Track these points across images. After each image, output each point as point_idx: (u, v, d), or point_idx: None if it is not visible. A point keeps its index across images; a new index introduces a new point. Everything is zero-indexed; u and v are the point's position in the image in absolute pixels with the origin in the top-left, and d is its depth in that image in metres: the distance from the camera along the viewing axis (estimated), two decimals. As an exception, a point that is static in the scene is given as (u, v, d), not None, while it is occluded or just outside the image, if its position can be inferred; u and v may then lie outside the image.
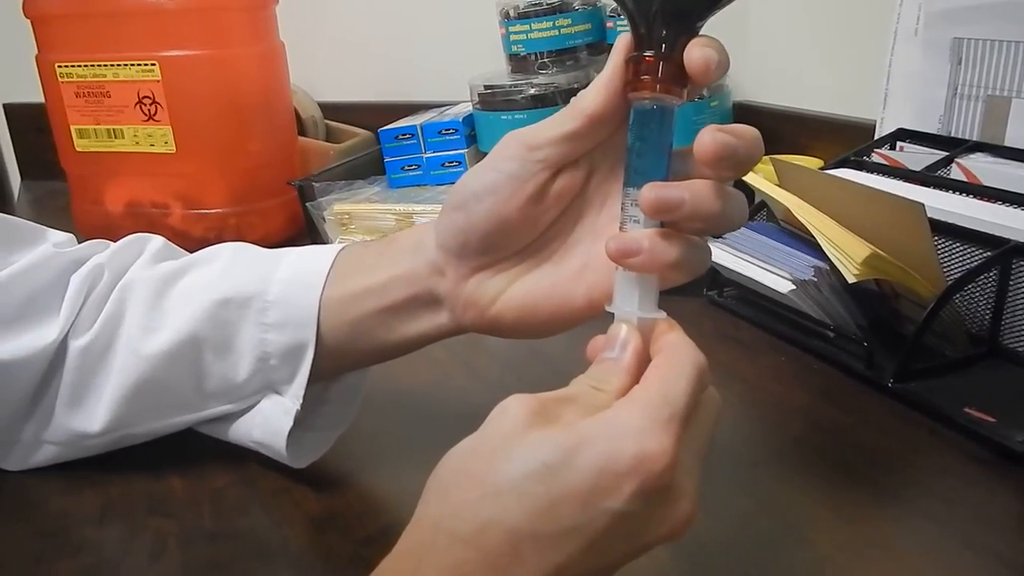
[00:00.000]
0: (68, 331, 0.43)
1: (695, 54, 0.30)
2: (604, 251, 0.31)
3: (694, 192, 0.31)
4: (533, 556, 0.25)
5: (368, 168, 0.96)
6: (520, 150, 0.35)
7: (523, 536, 0.25)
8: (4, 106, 1.23)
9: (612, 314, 0.32)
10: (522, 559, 0.25)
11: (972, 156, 0.64)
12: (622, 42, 0.33)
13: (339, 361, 0.42)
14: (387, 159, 0.95)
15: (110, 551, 0.40)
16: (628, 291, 0.31)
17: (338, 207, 0.82)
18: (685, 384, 0.28)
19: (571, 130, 0.34)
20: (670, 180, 0.31)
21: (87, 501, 0.44)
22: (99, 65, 0.81)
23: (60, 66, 0.82)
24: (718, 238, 0.62)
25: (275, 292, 0.42)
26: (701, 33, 0.32)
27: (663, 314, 0.31)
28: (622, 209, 0.32)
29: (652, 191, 0.30)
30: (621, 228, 0.32)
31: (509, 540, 0.25)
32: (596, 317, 0.35)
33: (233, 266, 0.44)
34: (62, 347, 0.43)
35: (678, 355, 0.29)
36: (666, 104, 0.31)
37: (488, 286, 0.38)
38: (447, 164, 0.94)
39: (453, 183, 1.00)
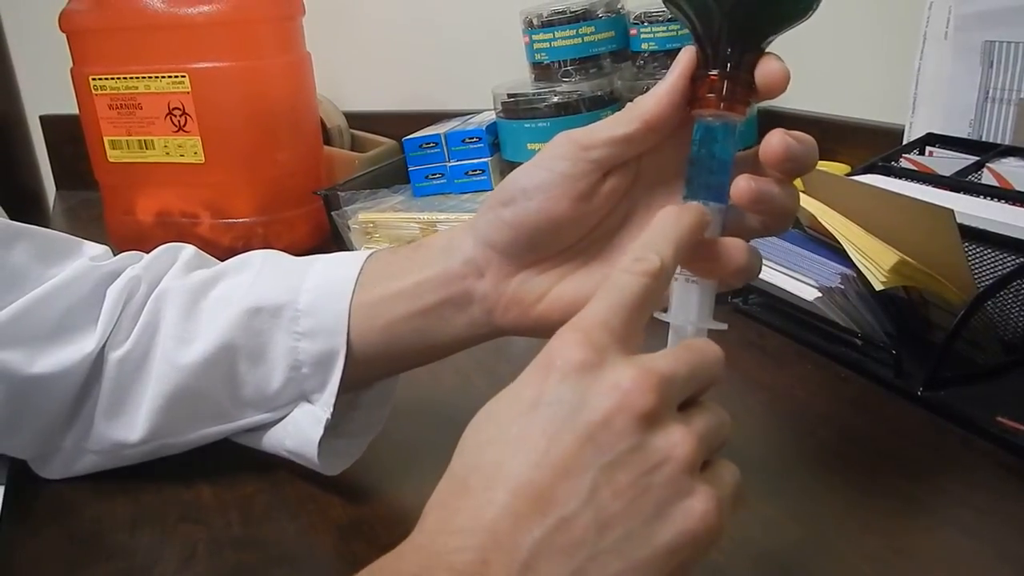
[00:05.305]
0: (105, 343, 0.44)
1: (770, 68, 0.32)
2: None
3: (781, 187, 0.33)
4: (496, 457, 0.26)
5: (392, 177, 0.97)
6: (573, 149, 0.36)
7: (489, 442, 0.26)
8: (40, 118, 1.26)
9: (663, 323, 0.32)
10: (494, 473, 0.25)
11: (1004, 160, 0.63)
12: (687, 54, 0.34)
13: (372, 367, 0.42)
14: (411, 168, 0.95)
15: (142, 557, 0.41)
16: (687, 300, 0.32)
17: (363, 216, 0.83)
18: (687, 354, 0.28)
19: (627, 133, 0.35)
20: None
21: (119, 508, 0.45)
22: (131, 77, 0.83)
23: (94, 78, 0.84)
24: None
25: (305, 301, 0.42)
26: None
27: (724, 325, 0.31)
28: None
29: (748, 181, 0.32)
30: None
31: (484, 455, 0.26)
32: None
33: (263, 275, 0.44)
34: (99, 359, 0.44)
35: (693, 343, 0.29)
36: (730, 121, 0.33)
37: (533, 284, 0.39)
38: (471, 172, 0.94)
39: (477, 191, 1.00)
